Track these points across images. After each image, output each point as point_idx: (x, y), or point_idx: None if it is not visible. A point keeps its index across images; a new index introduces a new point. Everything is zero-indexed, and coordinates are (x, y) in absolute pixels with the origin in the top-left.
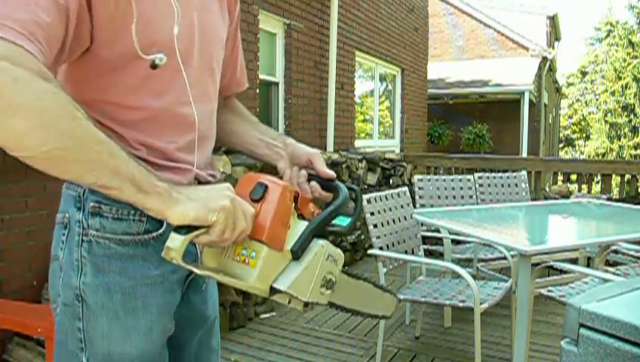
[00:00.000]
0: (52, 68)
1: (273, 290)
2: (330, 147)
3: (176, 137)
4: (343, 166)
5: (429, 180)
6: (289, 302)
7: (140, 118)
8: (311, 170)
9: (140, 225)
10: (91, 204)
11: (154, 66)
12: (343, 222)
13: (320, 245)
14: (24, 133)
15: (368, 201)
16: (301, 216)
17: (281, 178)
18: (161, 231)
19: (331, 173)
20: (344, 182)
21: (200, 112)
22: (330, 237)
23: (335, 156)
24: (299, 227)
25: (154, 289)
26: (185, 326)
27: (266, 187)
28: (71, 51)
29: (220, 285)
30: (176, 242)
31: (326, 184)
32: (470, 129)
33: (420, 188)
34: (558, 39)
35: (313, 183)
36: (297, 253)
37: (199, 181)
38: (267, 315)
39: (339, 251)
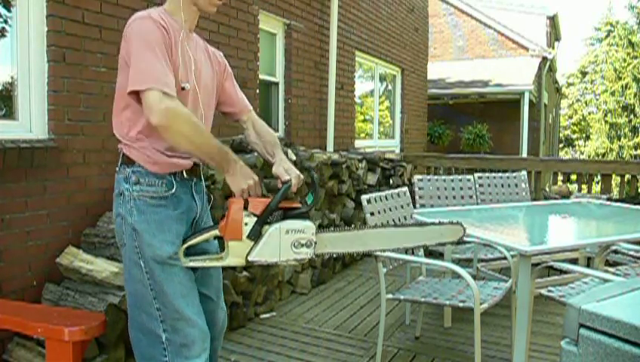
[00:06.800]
0: None
1: (249, 261)
2: (330, 147)
3: None
4: (343, 166)
5: (429, 180)
6: (276, 263)
7: None
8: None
9: (161, 188)
10: (133, 178)
11: (182, 88)
12: (309, 199)
13: (273, 228)
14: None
15: (368, 201)
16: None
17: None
18: (171, 192)
19: (283, 178)
20: (344, 182)
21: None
22: (307, 218)
23: (335, 156)
24: (252, 222)
25: (173, 221)
26: (197, 252)
27: (229, 206)
28: None
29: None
30: (180, 254)
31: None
32: (470, 129)
33: (419, 188)
34: (558, 39)
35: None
36: (251, 238)
37: (193, 163)
38: (267, 315)
39: (301, 223)
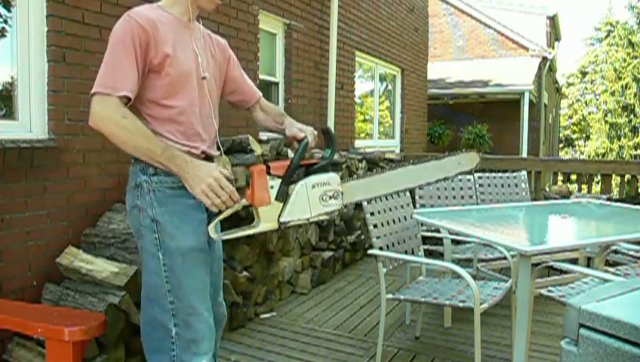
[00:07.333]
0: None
1: (281, 224)
2: None
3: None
4: (343, 166)
5: None
6: (308, 220)
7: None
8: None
9: (177, 178)
10: (150, 170)
11: (203, 78)
12: (327, 153)
13: (299, 185)
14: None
15: (368, 202)
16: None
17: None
18: None
19: (299, 136)
20: (342, 178)
21: (204, 111)
22: (329, 171)
23: (335, 156)
24: (278, 184)
25: (193, 209)
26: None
27: (251, 174)
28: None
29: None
30: (211, 230)
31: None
32: (470, 129)
33: (420, 188)
34: (558, 39)
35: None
36: (279, 199)
37: (206, 154)
38: (267, 315)
39: (325, 176)
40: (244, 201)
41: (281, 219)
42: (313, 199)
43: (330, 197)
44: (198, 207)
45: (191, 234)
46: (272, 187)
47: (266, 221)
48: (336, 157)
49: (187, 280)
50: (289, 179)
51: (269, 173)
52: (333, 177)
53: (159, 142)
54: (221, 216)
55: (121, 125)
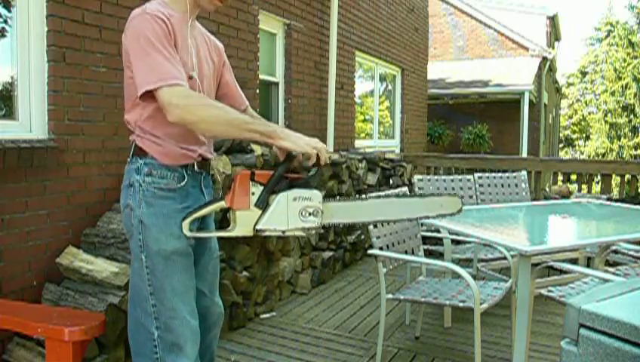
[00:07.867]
0: None
1: (257, 231)
2: (330, 147)
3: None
4: (343, 166)
5: (429, 180)
6: (283, 233)
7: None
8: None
9: (172, 181)
10: (145, 170)
11: (190, 77)
12: (312, 172)
13: (281, 195)
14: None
15: None
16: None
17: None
18: (181, 184)
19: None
20: (343, 182)
21: None
22: (311, 186)
23: (335, 156)
24: (259, 191)
25: (180, 213)
26: (197, 246)
27: (234, 177)
28: None
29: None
30: (184, 226)
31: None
32: (470, 129)
33: (419, 188)
34: (558, 39)
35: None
36: (260, 206)
37: (203, 157)
38: (267, 315)
39: (308, 191)
40: (222, 203)
41: (257, 227)
42: (292, 212)
43: (310, 214)
44: (184, 212)
45: (175, 237)
46: (253, 193)
47: (242, 226)
48: (336, 156)
49: (169, 283)
50: (271, 188)
51: (253, 179)
52: (315, 194)
53: (243, 115)
54: (197, 214)
55: (208, 104)
